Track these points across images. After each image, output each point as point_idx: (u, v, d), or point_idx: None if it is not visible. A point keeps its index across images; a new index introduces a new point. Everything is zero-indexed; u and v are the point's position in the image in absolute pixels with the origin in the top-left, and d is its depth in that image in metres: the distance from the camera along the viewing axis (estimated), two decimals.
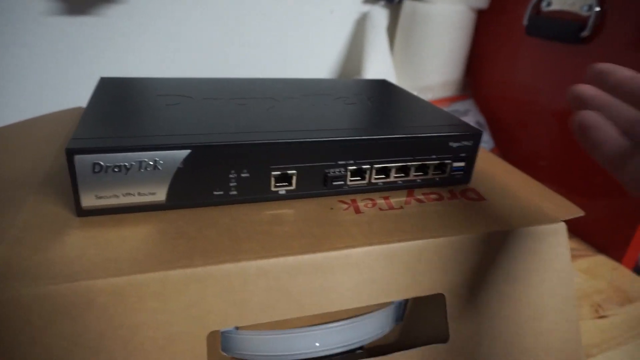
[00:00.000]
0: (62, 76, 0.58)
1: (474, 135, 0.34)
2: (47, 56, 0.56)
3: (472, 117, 0.72)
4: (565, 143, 0.60)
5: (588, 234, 0.55)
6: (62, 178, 0.31)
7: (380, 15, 0.75)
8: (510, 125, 0.71)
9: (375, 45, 0.73)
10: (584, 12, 0.56)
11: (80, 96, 0.50)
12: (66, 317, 0.22)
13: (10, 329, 0.21)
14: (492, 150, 0.72)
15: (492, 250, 0.29)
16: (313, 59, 0.75)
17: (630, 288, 0.47)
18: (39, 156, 0.35)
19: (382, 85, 0.46)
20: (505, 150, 0.71)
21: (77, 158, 0.26)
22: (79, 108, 0.46)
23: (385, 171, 0.32)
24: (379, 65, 0.72)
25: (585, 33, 0.55)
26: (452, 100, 0.76)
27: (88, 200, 0.27)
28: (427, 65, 0.74)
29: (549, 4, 0.61)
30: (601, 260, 0.52)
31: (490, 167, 0.39)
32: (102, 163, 0.26)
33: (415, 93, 0.55)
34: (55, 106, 0.46)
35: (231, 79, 0.43)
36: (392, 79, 0.73)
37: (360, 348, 0.31)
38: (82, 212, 0.27)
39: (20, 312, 0.21)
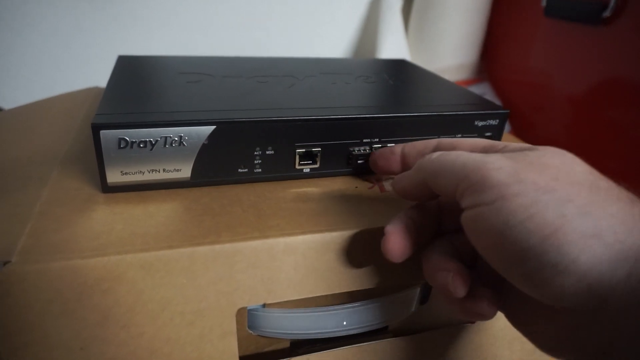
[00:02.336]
0: (76, 57, 0.58)
1: (501, 114, 0.33)
2: (61, 37, 0.56)
3: None
4: (581, 127, 0.60)
5: None
6: (85, 155, 0.31)
7: None
8: (526, 109, 0.70)
9: (390, 26, 0.72)
10: None
11: (94, 76, 0.49)
12: (96, 291, 0.22)
13: (41, 299, 0.21)
14: (509, 134, 0.71)
15: None
16: (326, 40, 0.75)
17: None
18: (59, 135, 0.34)
19: (402, 65, 0.45)
20: (521, 134, 0.70)
21: (103, 133, 0.25)
22: (96, 88, 0.46)
23: None
24: (393, 47, 0.71)
25: (606, 14, 0.54)
26: (467, 83, 0.75)
27: (113, 176, 0.27)
28: (442, 47, 0.73)
29: None
30: None
31: None
32: (127, 138, 0.26)
33: None
34: (70, 87, 0.46)
35: (249, 57, 0.43)
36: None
37: (386, 328, 0.31)
38: (108, 188, 0.27)
39: (51, 284, 0.21)
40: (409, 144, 0.27)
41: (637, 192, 0.20)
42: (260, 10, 0.66)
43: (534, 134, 0.68)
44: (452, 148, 0.24)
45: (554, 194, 0.18)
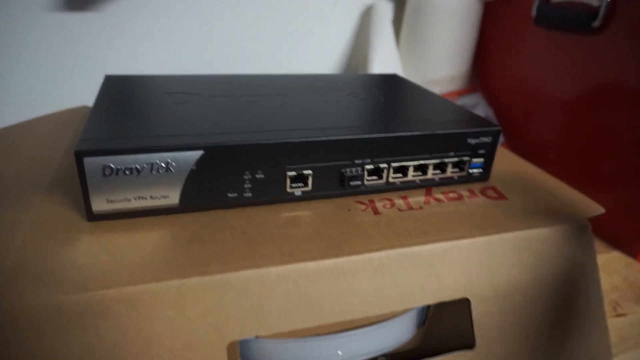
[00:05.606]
0: (65, 74, 0.57)
1: (493, 132, 0.33)
2: (50, 54, 0.55)
3: (481, 110, 0.71)
4: (575, 135, 0.59)
5: (600, 229, 0.54)
6: (70, 180, 0.30)
7: (385, 7, 0.74)
8: (519, 117, 0.70)
9: (381, 38, 0.72)
10: (595, 2, 0.54)
11: (83, 94, 0.49)
12: (79, 327, 0.21)
13: (21, 337, 0.20)
14: (502, 145, 0.71)
15: (517, 251, 0.28)
16: (316, 53, 0.74)
17: None
18: (45, 157, 0.34)
19: (393, 80, 0.45)
20: (514, 143, 0.70)
21: (87, 161, 0.24)
22: (84, 107, 0.45)
23: (403, 170, 0.31)
24: (385, 59, 0.71)
25: (596, 23, 0.54)
26: (460, 93, 0.75)
27: (99, 205, 0.26)
28: (434, 58, 0.73)
29: None
30: (615, 257, 0.51)
31: (506, 163, 0.38)
32: (112, 165, 0.25)
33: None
34: (59, 105, 0.45)
35: (237, 75, 0.42)
36: (399, 72, 0.72)
37: (383, 355, 0.30)
38: (93, 217, 0.26)
39: (32, 320, 0.20)
40: None
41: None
42: (250, 24, 0.65)
43: (528, 141, 0.68)
44: None
45: None
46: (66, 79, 0.57)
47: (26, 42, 0.54)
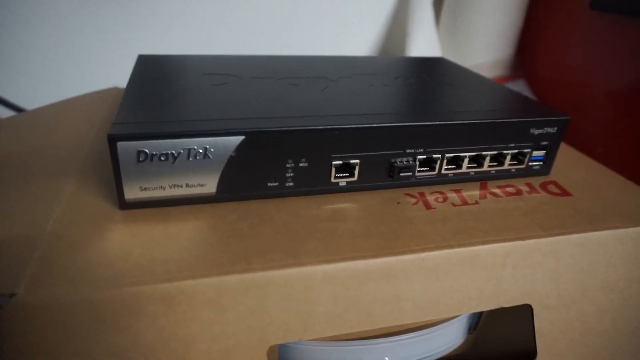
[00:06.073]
0: (96, 56, 0.55)
1: (560, 122, 0.29)
2: (81, 36, 0.54)
3: None
4: (625, 129, 0.55)
5: None
6: (102, 165, 0.29)
7: None
8: (565, 109, 0.66)
9: (421, 21, 0.68)
10: None
11: (115, 76, 0.47)
12: (112, 329, 0.19)
13: (49, 335, 0.19)
14: None
15: (587, 254, 0.25)
16: (352, 36, 0.71)
17: None
18: (76, 141, 0.32)
19: (441, 64, 0.42)
20: None
21: (121, 145, 0.23)
22: (115, 88, 0.43)
23: (457, 161, 0.29)
24: (423, 43, 0.68)
25: None
26: (501, 80, 0.71)
27: (132, 192, 0.24)
28: (475, 42, 0.69)
29: None
30: None
31: (564, 155, 0.35)
32: (147, 151, 0.23)
33: None
34: (90, 87, 0.44)
35: (275, 56, 0.40)
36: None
37: None
38: (125, 205, 0.24)
39: (60, 318, 0.19)
40: None
41: None
42: (284, 7, 0.63)
43: (573, 136, 0.64)
44: None
45: None
46: (97, 62, 0.56)
47: (56, 26, 0.53)
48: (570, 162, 0.34)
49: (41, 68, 0.54)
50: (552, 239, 0.25)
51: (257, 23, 0.62)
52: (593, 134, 0.61)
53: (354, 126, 0.26)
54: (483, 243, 0.24)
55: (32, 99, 0.50)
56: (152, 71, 0.33)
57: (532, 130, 0.29)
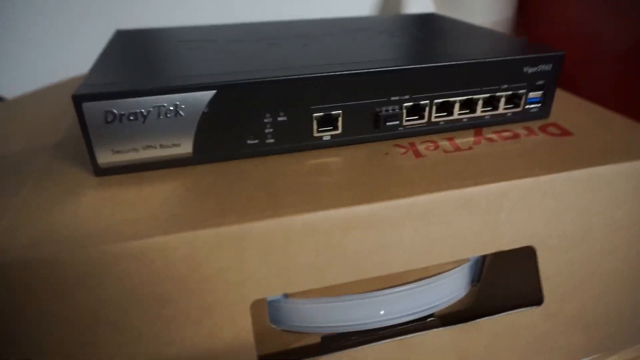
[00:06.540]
0: (76, 40, 0.55)
1: (555, 57, 0.28)
2: (59, 18, 0.53)
3: None
4: (635, 85, 0.53)
5: None
6: (78, 138, 0.28)
7: None
8: (570, 68, 0.63)
9: None
10: None
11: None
12: (78, 289, 0.18)
13: (16, 300, 0.18)
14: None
15: (589, 191, 0.24)
16: (345, 3, 0.69)
17: None
18: (54, 126, 0.31)
19: (432, 19, 0.40)
20: None
21: (86, 106, 0.22)
22: None
23: (447, 107, 0.27)
24: (419, 4, 0.66)
25: None
26: None
27: (104, 156, 0.23)
28: (474, 3, 0.67)
29: None
30: None
31: (563, 101, 0.33)
32: (115, 111, 0.22)
33: None
34: (76, 70, 0.43)
35: (257, 22, 0.39)
36: None
37: (431, 315, 0.26)
38: (100, 171, 0.23)
39: (25, 283, 0.18)
40: None
41: None
42: None
43: (580, 95, 0.62)
44: None
45: None
46: (77, 47, 0.55)
47: (38, 12, 0.52)
48: (572, 107, 0.32)
49: (20, 55, 0.53)
50: (551, 176, 0.23)
51: None
52: (599, 93, 0.59)
53: (332, 73, 0.24)
54: (476, 184, 0.22)
55: (15, 87, 0.50)
56: (128, 41, 0.32)
57: (525, 69, 0.27)
